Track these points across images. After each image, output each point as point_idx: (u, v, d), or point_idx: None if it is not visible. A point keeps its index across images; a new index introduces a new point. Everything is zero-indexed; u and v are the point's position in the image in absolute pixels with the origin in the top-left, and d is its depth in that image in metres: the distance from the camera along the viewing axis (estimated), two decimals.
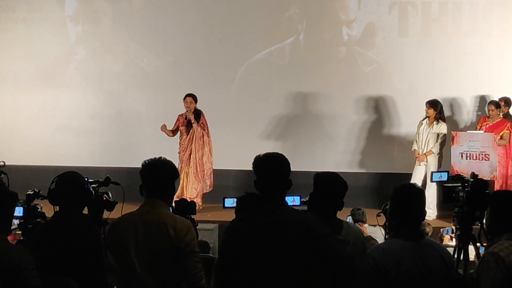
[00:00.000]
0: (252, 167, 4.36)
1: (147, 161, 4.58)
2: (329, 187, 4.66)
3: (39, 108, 12.62)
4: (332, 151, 12.32)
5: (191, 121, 11.01)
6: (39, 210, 6.13)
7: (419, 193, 4.50)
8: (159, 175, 4.51)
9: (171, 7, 12.60)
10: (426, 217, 5.77)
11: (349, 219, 9.06)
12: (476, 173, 6.22)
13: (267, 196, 4.27)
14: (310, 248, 4.11)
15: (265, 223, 4.15)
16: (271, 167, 4.30)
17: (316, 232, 4.17)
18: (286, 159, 4.38)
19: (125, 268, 4.44)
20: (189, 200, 5.44)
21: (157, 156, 4.73)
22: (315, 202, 4.69)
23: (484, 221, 5.11)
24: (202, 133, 11.09)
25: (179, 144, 11.15)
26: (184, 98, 11.07)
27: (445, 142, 10.91)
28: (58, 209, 4.90)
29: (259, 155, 4.40)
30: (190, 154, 10.89)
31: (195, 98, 11.09)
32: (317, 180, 4.72)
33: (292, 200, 5.44)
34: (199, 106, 11.14)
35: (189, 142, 11.08)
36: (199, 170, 10.98)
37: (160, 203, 4.48)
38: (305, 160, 12.00)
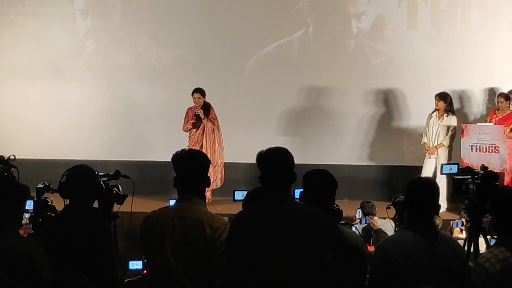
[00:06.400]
0: (256, 163, 4.35)
1: (181, 153, 4.54)
2: (318, 186, 4.58)
3: (48, 102, 12.63)
4: (342, 144, 12.31)
5: (201, 117, 11.00)
6: (49, 203, 6.16)
7: (433, 187, 4.51)
8: (196, 170, 4.49)
9: (180, 1, 12.60)
10: None
11: (359, 212, 9.09)
12: (486, 165, 6.22)
13: (273, 190, 4.26)
14: (320, 240, 4.10)
15: (272, 216, 4.13)
16: (275, 162, 4.29)
17: (325, 224, 4.16)
18: (290, 153, 4.37)
19: (158, 262, 4.44)
20: None
21: (186, 148, 4.70)
22: (307, 202, 4.58)
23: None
24: (213, 127, 11.07)
25: (189, 138, 11.12)
26: (192, 94, 11.03)
27: (455, 135, 10.89)
28: (68, 203, 4.92)
29: (262, 151, 4.39)
30: (201, 148, 10.83)
31: (202, 93, 11.04)
32: (307, 180, 4.63)
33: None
34: (208, 99, 11.13)
35: (199, 136, 11.06)
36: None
37: (197, 199, 4.47)
38: (314, 154, 12.02)
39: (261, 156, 4.35)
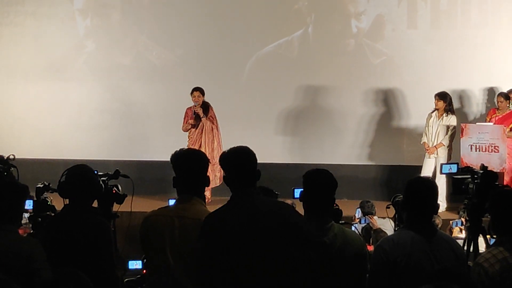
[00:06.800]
0: (220, 164, 4.37)
1: (180, 153, 4.55)
2: (318, 186, 4.51)
3: (48, 102, 12.63)
4: (342, 143, 12.31)
5: (200, 115, 11.01)
6: (49, 203, 6.16)
7: (432, 186, 4.51)
8: (195, 169, 4.50)
9: (180, 1, 12.60)
10: None
11: (359, 212, 9.10)
12: (485, 165, 6.21)
13: (239, 190, 4.26)
14: (287, 235, 4.09)
15: (241, 215, 4.13)
16: (239, 162, 4.29)
17: (290, 219, 4.15)
18: (252, 152, 4.36)
19: (158, 262, 4.45)
20: None
21: (185, 147, 4.70)
22: (306, 203, 4.55)
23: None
24: (212, 127, 11.08)
25: (188, 138, 11.14)
26: (192, 93, 11.04)
27: (455, 134, 10.89)
28: (67, 202, 4.91)
29: (224, 152, 4.41)
30: (200, 147, 10.84)
31: (202, 92, 11.06)
32: (307, 180, 4.56)
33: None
34: (207, 99, 11.14)
35: (198, 136, 11.07)
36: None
37: (196, 199, 4.48)
38: (314, 153, 12.03)
39: (225, 157, 4.36)
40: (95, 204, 5.26)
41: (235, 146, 4.39)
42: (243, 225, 4.09)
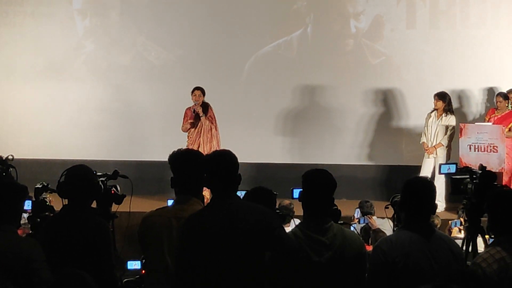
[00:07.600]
0: (204, 167, 4.40)
1: (178, 153, 4.57)
2: (317, 186, 4.47)
3: (47, 102, 12.63)
4: (341, 143, 12.32)
5: (199, 114, 11.00)
6: (47, 203, 6.15)
7: (430, 186, 4.51)
8: (193, 169, 4.50)
9: (179, 0, 12.60)
10: None
11: (358, 212, 9.10)
12: (484, 165, 6.21)
13: (220, 192, 4.28)
14: (264, 239, 4.13)
15: (220, 217, 4.15)
16: (222, 166, 4.31)
17: (266, 223, 4.18)
18: (234, 155, 4.40)
19: (156, 262, 4.47)
20: None
21: (183, 148, 4.72)
22: (306, 203, 4.50)
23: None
24: (210, 126, 11.07)
25: (187, 138, 11.13)
26: (192, 92, 11.03)
27: (454, 135, 10.89)
28: (66, 203, 4.91)
29: (208, 155, 4.47)
30: (198, 147, 10.82)
31: (203, 91, 11.05)
32: (306, 179, 4.51)
33: None
34: (206, 99, 11.13)
35: (197, 136, 11.06)
36: None
37: (195, 200, 4.50)
38: (313, 153, 12.03)
39: (207, 160, 4.40)
40: (94, 204, 5.25)
41: (218, 150, 4.41)
42: (222, 228, 4.11)
